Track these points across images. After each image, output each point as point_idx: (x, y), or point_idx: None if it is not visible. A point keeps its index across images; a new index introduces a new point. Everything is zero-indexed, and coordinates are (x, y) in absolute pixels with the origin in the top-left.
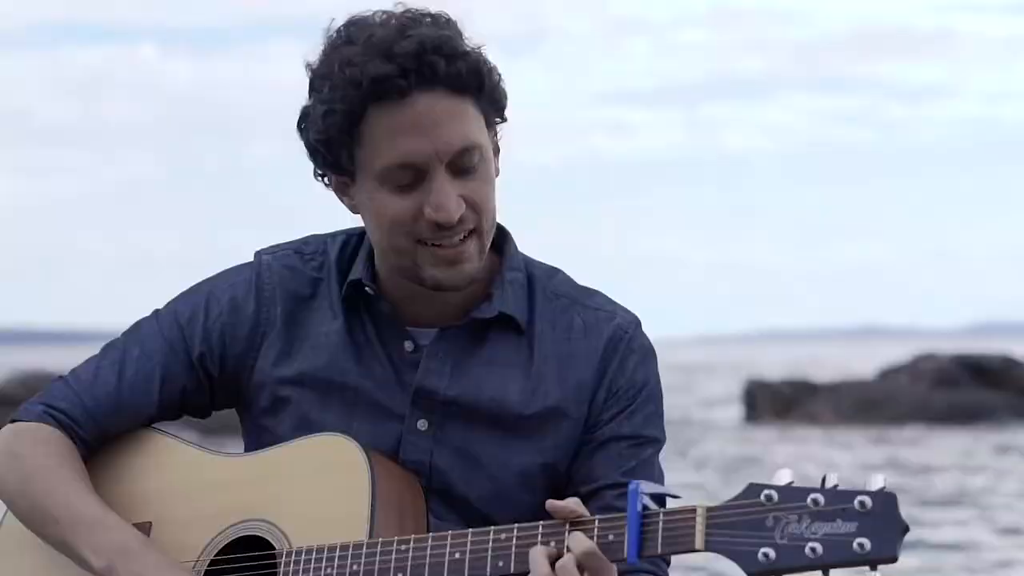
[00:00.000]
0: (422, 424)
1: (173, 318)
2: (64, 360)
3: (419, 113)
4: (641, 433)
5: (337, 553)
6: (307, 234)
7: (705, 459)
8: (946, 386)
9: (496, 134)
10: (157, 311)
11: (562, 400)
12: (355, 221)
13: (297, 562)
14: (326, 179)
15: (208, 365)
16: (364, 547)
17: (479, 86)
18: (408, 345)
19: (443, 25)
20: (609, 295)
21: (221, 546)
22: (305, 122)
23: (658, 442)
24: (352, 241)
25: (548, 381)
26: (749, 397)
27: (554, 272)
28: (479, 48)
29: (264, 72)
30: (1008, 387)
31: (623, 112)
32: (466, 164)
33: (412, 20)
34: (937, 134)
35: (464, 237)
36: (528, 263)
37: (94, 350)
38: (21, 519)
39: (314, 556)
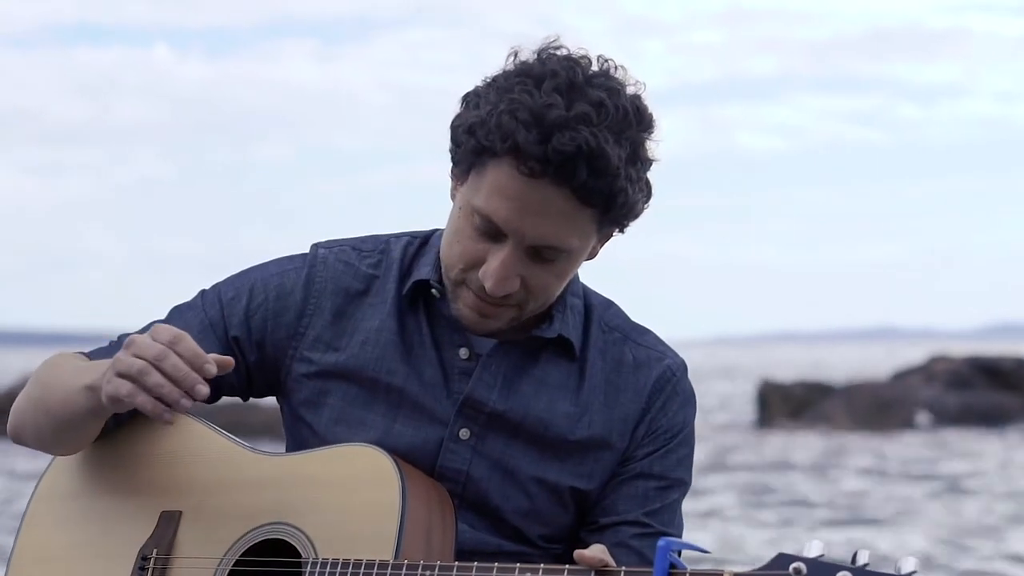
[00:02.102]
0: (464, 433)
1: (216, 296)
2: None
3: (534, 197)
4: (671, 475)
5: (362, 570)
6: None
7: (719, 462)
8: (960, 388)
9: (607, 239)
10: (203, 290)
11: (606, 431)
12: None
13: (322, 573)
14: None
15: (243, 348)
16: (389, 568)
17: (606, 207)
18: (463, 352)
19: (610, 108)
20: (622, 297)
21: (248, 545)
22: (464, 105)
23: (685, 485)
24: (415, 243)
25: (594, 410)
26: (762, 399)
27: (609, 304)
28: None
29: (276, 73)
30: (1022, 389)
31: None
32: (544, 256)
33: (584, 87)
34: (950, 134)
35: (505, 303)
36: (586, 292)
37: None
38: (35, 409)
39: (339, 570)
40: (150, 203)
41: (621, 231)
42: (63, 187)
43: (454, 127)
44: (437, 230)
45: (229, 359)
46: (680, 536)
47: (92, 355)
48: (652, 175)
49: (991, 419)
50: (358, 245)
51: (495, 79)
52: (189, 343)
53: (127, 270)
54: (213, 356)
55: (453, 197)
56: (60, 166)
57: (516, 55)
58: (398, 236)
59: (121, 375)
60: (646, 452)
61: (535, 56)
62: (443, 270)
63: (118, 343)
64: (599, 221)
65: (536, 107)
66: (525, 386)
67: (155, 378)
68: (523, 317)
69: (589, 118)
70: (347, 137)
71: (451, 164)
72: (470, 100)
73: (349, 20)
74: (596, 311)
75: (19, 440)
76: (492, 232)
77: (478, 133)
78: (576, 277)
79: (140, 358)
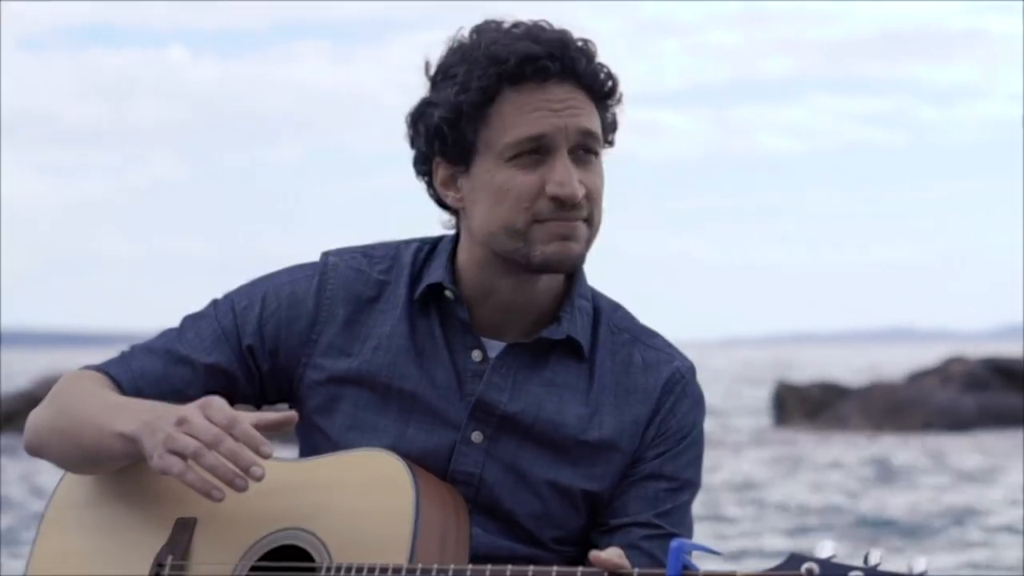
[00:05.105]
0: (476, 436)
1: (229, 306)
2: (90, 363)
3: (553, 97)
4: (681, 475)
5: (376, 575)
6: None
7: (734, 464)
8: (976, 389)
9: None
10: (215, 300)
11: (617, 433)
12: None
13: None
14: (431, 176)
15: (257, 357)
16: (403, 572)
17: (607, 96)
18: (476, 355)
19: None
20: (637, 297)
21: (263, 551)
22: (423, 111)
23: (695, 486)
24: (425, 248)
25: (604, 411)
26: (778, 400)
27: (617, 306)
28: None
29: (291, 75)
30: None
31: (652, 114)
32: (589, 147)
33: (544, 26)
34: (968, 135)
35: (579, 216)
36: (594, 294)
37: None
38: (62, 438)
39: (353, 575)
40: (164, 204)
41: (610, 141)
42: (77, 188)
43: (432, 131)
44: (446, 235)
45: (293, 415)
46: (690, 537)
47: (109, 370)
48: (666, 177)
49: (1008, 420)
50: (368, 252)
51: (440, 67)
52: (245, 426)
53: (140, 271)
54: (277, 416)
55: (460, 202)
56: (74, 167)
57: (460, 37)
58: (408, 242)
59: (174, 452)
60: (656, 453)
61: (478, 26)
62: (506, 240)
63: (131, 353)
64: (602, 118)
65: (511, 32)
66: (535, 387)
67: (211, 459)
68: (592, 238)
69: (554, 27)
70: (361, 139)
71: (449, 163)
72: (427, 101)
73: (363, 22)
74: (604, 313)
75: (37, 455)
76: (536, 155)
77: (474, 85)
78: (584, 279)
79: (195, 438)
